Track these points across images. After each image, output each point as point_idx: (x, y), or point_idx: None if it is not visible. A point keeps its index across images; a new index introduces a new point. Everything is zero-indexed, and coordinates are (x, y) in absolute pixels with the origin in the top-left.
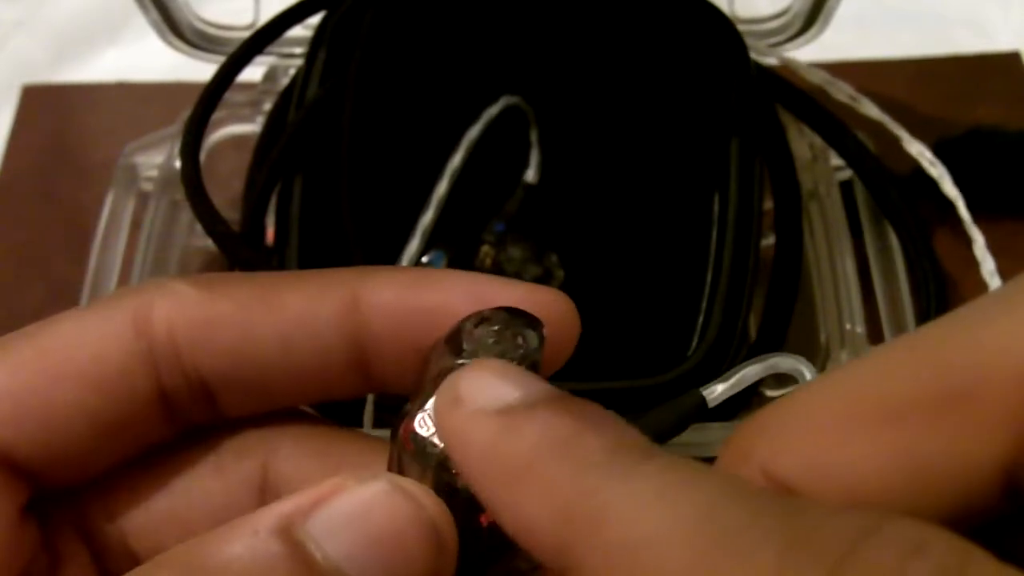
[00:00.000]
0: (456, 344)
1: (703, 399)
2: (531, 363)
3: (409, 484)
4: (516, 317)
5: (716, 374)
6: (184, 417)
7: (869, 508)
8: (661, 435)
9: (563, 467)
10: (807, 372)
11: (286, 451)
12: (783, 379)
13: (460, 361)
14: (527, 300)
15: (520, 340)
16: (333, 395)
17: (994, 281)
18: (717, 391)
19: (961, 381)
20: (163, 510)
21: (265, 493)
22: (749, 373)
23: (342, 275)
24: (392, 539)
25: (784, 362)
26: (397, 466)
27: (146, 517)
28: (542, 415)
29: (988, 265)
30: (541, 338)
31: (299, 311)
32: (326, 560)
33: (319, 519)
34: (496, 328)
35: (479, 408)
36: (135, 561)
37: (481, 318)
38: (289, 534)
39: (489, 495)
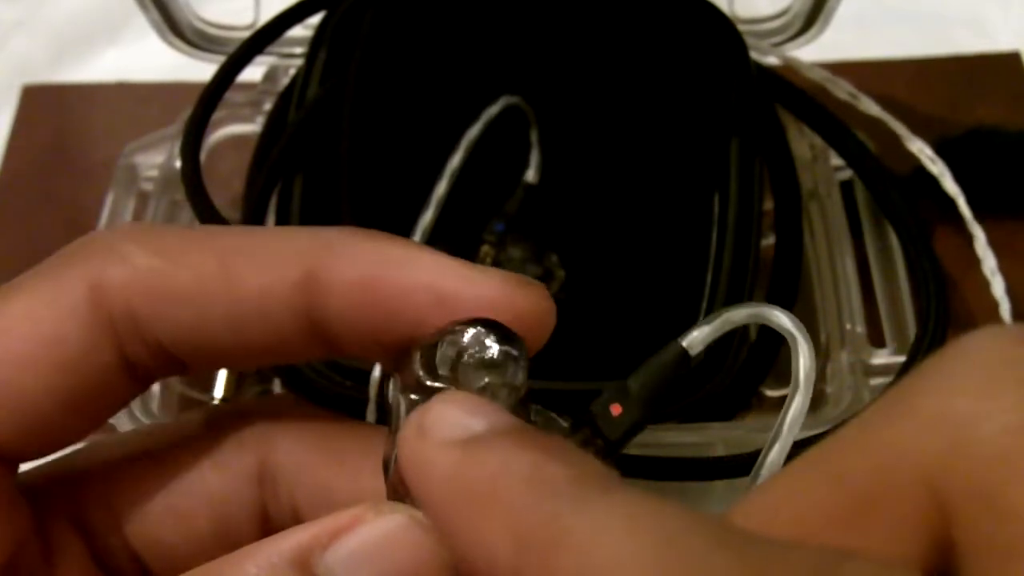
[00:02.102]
0: (430, 366)
1: (683, 350)
2: (511, 390)
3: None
4: (501, 342)
5: (716, 374)
6: (151, 376)
7: (829, 547)
8: (650, 401)
9: (524, 494)
10: (795, 330)
11: (284, 443)
12: (782, 379)
13: (434, 384)
14: (498, 295)
15: (505, 374)
16: (298, 360)
17: (995, 279)
18: (696, 336)
19: (864, 492)
20: (161, 503)
21: (264, 485)
22: (733, 317)
23: (300, 246)
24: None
25: (770, 313)
26: (393, 493)
27: (144, 511)
28: (504, 444)
29: (989, 263)
30: (525, 368)
31: (255, 288)
32: None
33: (337, 551)
34: (475, 353)
35: (442, 439)
36: (133, 556)
37: (458, 343)
38: (306, 565)
39: (448, 522)
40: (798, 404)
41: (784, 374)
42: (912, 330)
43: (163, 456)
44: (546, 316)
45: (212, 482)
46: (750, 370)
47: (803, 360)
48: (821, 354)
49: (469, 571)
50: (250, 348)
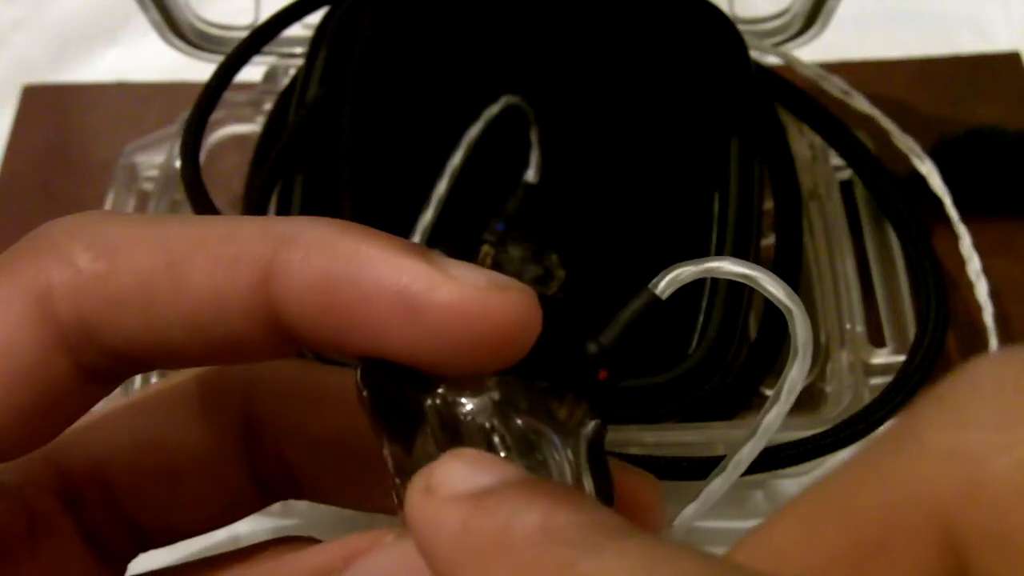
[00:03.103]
0: (454, 433)
1: (653, 295)
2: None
3: None
4: (536, 410)
5: (716, 373)
6: (114, 377)
7: None
8: (623, 351)
9: (536, 544)
10: (788, 301)
11: (266, 392)
12: None
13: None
14: (469, 302)
15: (549, 454)
16: (262, 358)
17: (980, 282)
18: (671, 279)
19: (874, 533)
20: (150, 464)
21: (251, 437)
22: (717, 268)
23: (255, 243)
24: None
25: (761, 278)
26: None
27: (134, 476)
28: (513, 495)
29: (975, 264)
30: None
31: (207, 290)
32: None
33: (353, 574)
34: (507, 430)
35: (449, 496)
36: (126, 528)
37: (485, 412)
38: None
39: None
40: (796, 371)
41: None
42: (912, 330)
43: (147, 421)
44: (525, 323)
45: (198, 438)
46: (750, 370)
47: (800, 330)
48: (821, 354)
49: None
50: (211, 348)
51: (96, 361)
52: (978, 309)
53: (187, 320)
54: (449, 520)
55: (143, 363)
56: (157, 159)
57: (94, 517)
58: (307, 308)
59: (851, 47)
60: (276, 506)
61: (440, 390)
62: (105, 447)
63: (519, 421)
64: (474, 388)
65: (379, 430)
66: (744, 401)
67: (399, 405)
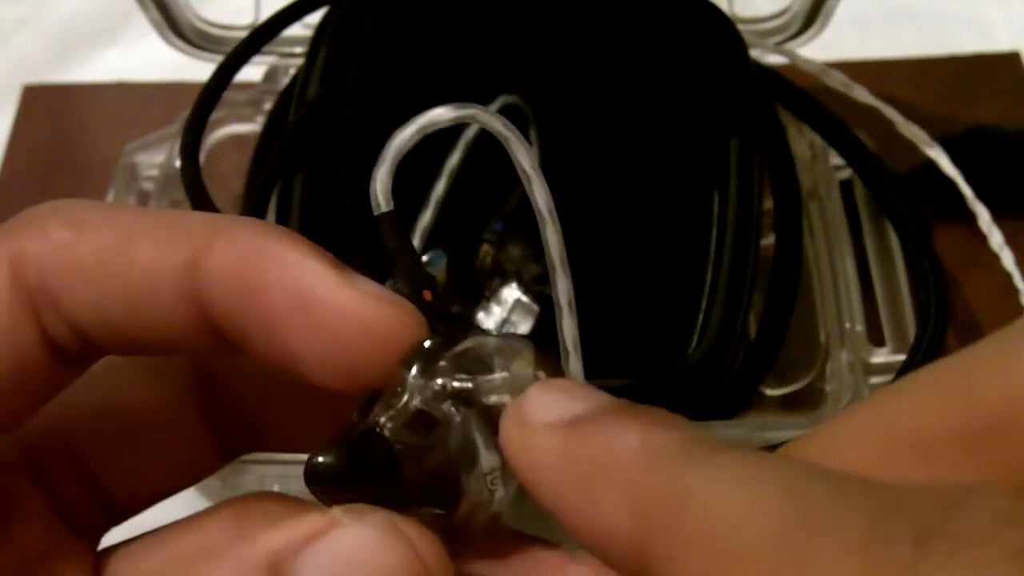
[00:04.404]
0: (427, 426)
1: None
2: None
3: (407, 526)
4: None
5: (716, 372)
6: (78, 358)
7: (950, 484)
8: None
9: (637, 463)
10: (503, 129)
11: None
12: (783, 378)
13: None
14: (356, 308)
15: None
16: (192, 349)
17: (1004, 252)
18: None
19: (992, 414)
20: (111, 426)
21: (207, 390)
22: (437, 117)
23: (194, 228)
24: None
25: (480, 115)
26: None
27: (94, 436)
28: (611, 419)
29: (996, 238)
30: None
31: (146, 265)
32: None
33: (308, 559)
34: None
35: (545, 423)
36: (93, 489)
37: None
38: (278, 571)
39: (562, 505)
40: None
41: (784, 374)
42: (911, 329)
43: (103, 383)
44: (404, 333)
45: (157, 396)
46: (750, 369)
47: (523, 157)
48: (821, 353)
49: (590, 551)
50: (149, 331)
51: (60, 332)
52: (980, 307)
53: (126, 293)
54: (549, 447)
55: (97, 345)
56: (157, 159)
57: (62, 488)
58: (225, 295)
59: (851, 47)
60: None
61: (379, 419)
62: (65, 412)
63: (449, 380)
64: (394, 388)
65: (382, 497)
66: (744, 401)
67: (365, 468)
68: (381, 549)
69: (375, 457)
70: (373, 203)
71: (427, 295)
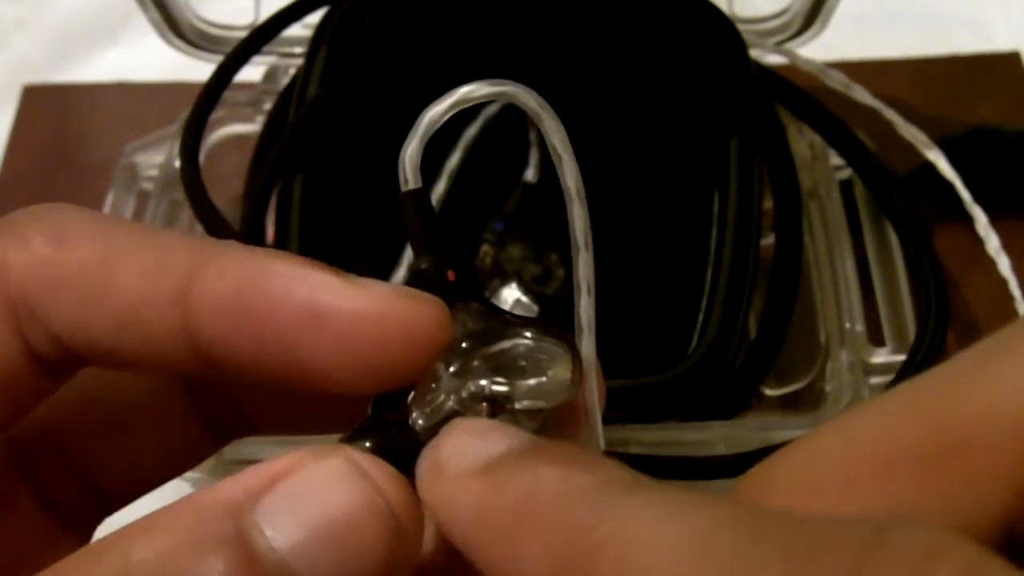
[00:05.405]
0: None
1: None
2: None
3: (368, 462)
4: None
5: (716, 372)
6: (61, 370)
7: (875, 516)
8: (431, 236)
9: (556, 510)
10: (540, 109)
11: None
12: (783, 378)
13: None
14: (378, 309)
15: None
16: (180, 372)
17: (1000, 257)
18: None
19: (954, 435)
20: (98, 418)
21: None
22: (471, 93)
23: (181, 255)
24: (343, 529)
25: (516, 92)
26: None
27: (81, 429)
28: (527, 464)
29: (993, 242)
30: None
31: (133, 294)
32: (271, 552)
33: (269, 503)
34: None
35: (461, 471)
36: (82, 482)
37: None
38: (238, 518)
39: (484, 556)
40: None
41: (784, 374)
42: (912, 329)
43: (89, 376)
44: (432, 328)
45: (143, 385)
46: (750, 369)
47: (555, 135)
48: (821, 353)
49: None
50: (134, 354)
51: (42, 345)
52: (980, 307)
53: (113, 319)
54: (465, 500)
55: (80, 357)
56: (157, 159)
57: (51, 482)
58: (220, 322)
59: (851, 47)
60: None
61: (412, 414)
62: (52, 407)
63: (484, 376)
64: (428, 385)
65: None
66: (744, 400)
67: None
68: (340, 485)
69: (402, 451)
70: (401, 179)
71: (451, 275)
